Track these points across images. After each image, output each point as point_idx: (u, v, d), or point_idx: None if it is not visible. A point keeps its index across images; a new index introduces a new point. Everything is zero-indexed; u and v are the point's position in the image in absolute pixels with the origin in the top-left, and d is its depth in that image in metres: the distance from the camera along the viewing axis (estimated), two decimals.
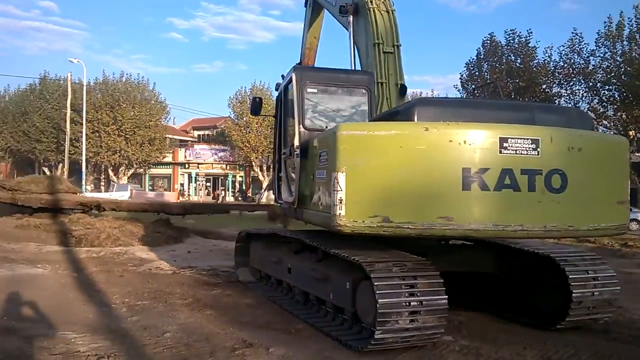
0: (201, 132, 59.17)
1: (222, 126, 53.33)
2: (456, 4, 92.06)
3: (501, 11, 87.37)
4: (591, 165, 4.58)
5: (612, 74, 24.64)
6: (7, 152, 47.17)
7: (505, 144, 4.42)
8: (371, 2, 6.61)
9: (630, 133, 24.49)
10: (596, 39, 25.02)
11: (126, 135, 42.25)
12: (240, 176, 51.55)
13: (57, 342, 4.67)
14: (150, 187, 49.13)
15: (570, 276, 4.94)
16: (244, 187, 51.02)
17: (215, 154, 50.27)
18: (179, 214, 13.70)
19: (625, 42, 24.11)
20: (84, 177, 37.15)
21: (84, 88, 37.96)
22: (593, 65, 25.45)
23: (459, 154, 4.43)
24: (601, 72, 25.24)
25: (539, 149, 4.42)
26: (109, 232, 10.99)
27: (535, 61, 27.59)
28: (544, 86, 27.45)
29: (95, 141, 41.22)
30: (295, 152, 5.38)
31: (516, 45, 28.04)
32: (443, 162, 4.47)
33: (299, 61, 9.47)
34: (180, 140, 54.02)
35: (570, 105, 24.52)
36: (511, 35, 28.13)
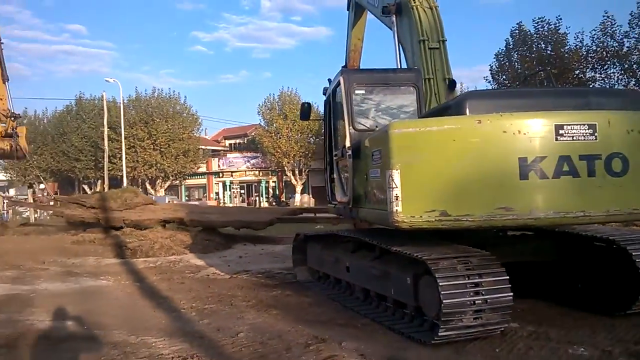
0: (232, 141, 60.07)
1: (253, 134, 54.09)
2: None
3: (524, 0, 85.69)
4: None
5: None
6: (48, 173, 48.92)
7: (561, 131, 4.48)
8: (414, 0, 6.73)
9: None
10: (629, 20, 24.40)
11: (161, 149, 43.29)
12: (273, 181, 52.09)
13: (140, 347, 4.95)
14: (186, 198, 50.14)
15: (637, 260, 4.93)
16: (277, 192, 51.53)
17: (248, 161, 50.99)
18: (267, 226, 13.57)
19: None
20: None
21: (121, 106, 39.17)
22: (627, 47, 24.83)
23: (514, 144, 4.52)
24: (637, 53, 24.60)
25: (596, 134, 4.46)
26: (161, 243, 11.39)
27: (566, 47, 27.08)
28: (577, 72, 26.91)
29: (131, 156, 42.35)
30: (347, 153, 5.54)
31: (546, 33, 27.57)
32: (498, 153, 4.56)
33: (344, 64, 9.65)
34: (213, 150, 54.97)
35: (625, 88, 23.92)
36: (540, 23, 27.67)
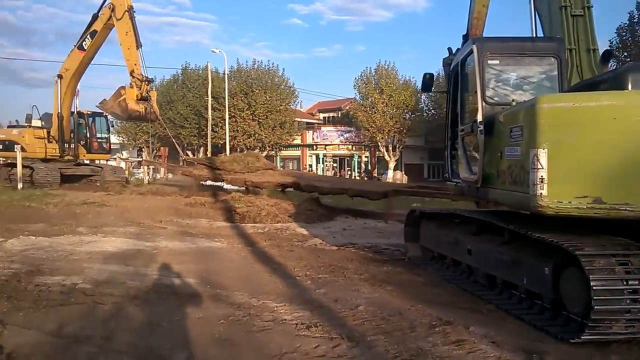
0: (326, 114, 60.40)
1: (347, 108, 53.93)
2: None
3: None
4: None
5: None
6: (155, 138, 52.22)
7: None
8: None
9: None
10: None
11: (259, 120, 44.52)
12: (365, 156, 51.86)
13: (262, 310, 5.05)
14: (281, 168, 51.42)
15: None
16: (369, 168, 51.29)
17: (342, 135, 51.06)
18: (382, 197, 13.18)
19: None
20: None
21: (226, 76, 40.63)
22: None
23: None
24: None
25: None
26: (268, 210, 11.68)
27: None
28: None
29: (232, 126, 43.93)
30: (479, 129, 5.16)
31: None
32: None
33: (465, 32, 9.11)
34: (307, 123, 55.63)
35: None
36: None
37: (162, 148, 50.14)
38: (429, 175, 55.55)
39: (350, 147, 51.23)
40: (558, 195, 4.11)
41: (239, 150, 47.18)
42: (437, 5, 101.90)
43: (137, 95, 16.17)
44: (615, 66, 25.94)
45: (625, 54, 27.12)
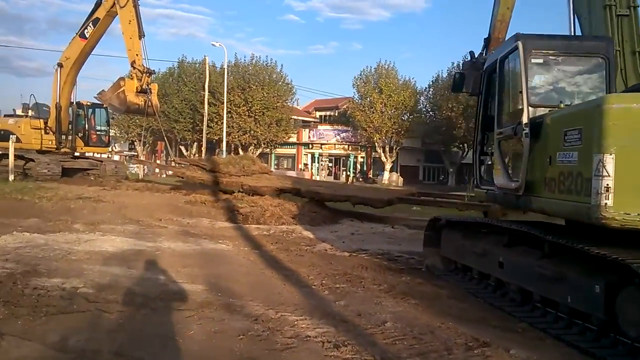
0: (323, 113, 60.02)
1: (345, 107, 53.58)
2: None
3: None
4: None
5: None
6: (148, 132, 51.48)
7: None
8: None
9: None
10: None
11: (255, 116, 44.02)
12: (361, 157, 51.57)
13: (282, 324, 4.65)
14: (275, 167, 50.95)
15: None
16: (364, 168, 51.00)
17: (338, 134, 50.72)
18: (386, 205, 12.71)
19: None
20: (224, 155, 39.26)
21: (225, 70, 40.17)
22: None
23: None
24: None
25: None
26: (272, 211, 11.26)
27: None
28: None
29: (227, 122, 43.38)
30: (524, 132, 4.77)
31: None
32: None
33: (487, 35, 8.80)
34: (303, 121, 55.23)
35: None
36: None
37: (159, 143, 49.54)
38: (424, 178, 55.42)
39: (346, 146, 50.89)
40: (625, 206, 3.75)
41: (233, 147, 46.73)
42: (436, 6, 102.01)
43: (137, 88, 15.55)
44: None
45: None
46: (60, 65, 18.02)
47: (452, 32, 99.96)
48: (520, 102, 4.90)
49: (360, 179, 46.73)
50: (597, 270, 4.22)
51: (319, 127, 52.99)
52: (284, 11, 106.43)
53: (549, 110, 4.82)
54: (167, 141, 31.48)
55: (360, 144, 49.21)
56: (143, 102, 15.70)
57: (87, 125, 20.45)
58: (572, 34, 6.09)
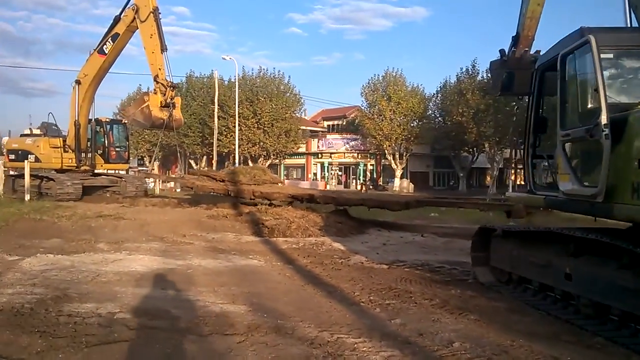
0: (331, 122, 59.82)
1: (352, 115, 53.34)
2: None
3: None
4: None
5: None
6: (157, 147, 51.41)
7: None
8: None
9: None
10: None
11: (264, 128, 43.84)
12: (371, 164, 51.20)
13: (342, 348, 4.28)
14: (285, 177, 50.66)
15: None
16: (374, 176, 50.60)
17: (347, 143, 50.41)
18: (403, 208, 12.30)
19: None
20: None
21: (236, 83, 40.18)
22: None
23: None
24: None
25: None
26: (298, 223, 10.91)
27: None
28: None
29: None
30: (604, 133, 4.35)
31: None
32: None
33: (515, 34, 8.46)
34: (312, 131, 54.98)
35: None
36: None
37: (173, 158, 49.53)
38: (435, 184, 54.95)
39: (355, 155, 50.55)
40: None
41: (242, 158, 46.49)
42: (436, 15, 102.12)
43: (161, 102, 15.10)
44: None
45: None
46: (78, 82, 17.71)
47: (453, 39, 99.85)
48: (595, 101, 4.50)
49: (371, 187, 46.32)
50: None
51: (328, 136, 52.69)
52: (287, 24, 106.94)
53: (632, 109, 4.41)
54: (178, 155, 31.22)
55: (369, 151, 48.87)
56: (167, 117, 15.24)
57: (106, 142, 20.09)
58: (629, 25, 5.71)
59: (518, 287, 6.13)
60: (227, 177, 14.31)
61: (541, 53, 6.87)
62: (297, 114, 47.79)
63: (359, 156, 50.57)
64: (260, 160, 46.07)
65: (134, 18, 15.55)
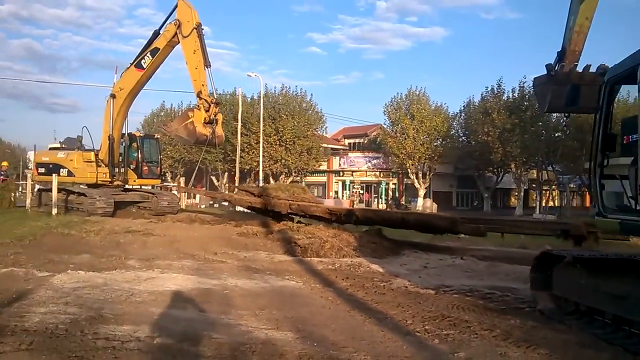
0: (352, 140, 59.56)
1: (374, 134, 53.02)
2: None
3: None
4: None
5: None
6: (180, 163, 51.65)
7: None
8: None
9: None
10: None
11: (286, 145, 43.74)
12: (393, 183, 50.67)
13: None
14: None
15: None
16: (396, 195, 50.01)
17: (369, 161, 50.01)
18: (449, 225, 10.99)
19: None
20: (261, 183, 38.83)
21: (261, 101, 40.42)
22: None
23: None
24: None
25: None
26: (332, 242, 10.49)
27: None
28: None
29: (259, 151, 43.20)
30: None
31: None
32: None
33: (560, 49, 8.10)
34: (333, 149, 54.76)
35: None
36: None
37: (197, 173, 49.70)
38: (458, 204, 54.16)
39: (377, 173, 50.09)
40: None
41: (263, 175, 46.35)
42: (455, 35, 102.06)
43: (204, 118, 14.76)
44: None
45: None
46: (113, 96, 17.49)
47: (472, 59, 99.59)
48: None
49: (393, 206, 45.70)
50: None
51: (350, 154, 52.35)
52: (306, 44, 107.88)
53: None
54: (203, 171, 31.11)
55: (392, 170, 48.38)
56: (210, 133, 14.89)
57: (139, 157, 19.80)
58: None
59: (582, 318, 5.63)
60: (265, 193, 14.05)
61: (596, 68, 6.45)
62: (318, 132, 47.65)
63: (381, 175, 50.10)
64: (281, 177, 45.91)
65: (176, 33, 15.33)
